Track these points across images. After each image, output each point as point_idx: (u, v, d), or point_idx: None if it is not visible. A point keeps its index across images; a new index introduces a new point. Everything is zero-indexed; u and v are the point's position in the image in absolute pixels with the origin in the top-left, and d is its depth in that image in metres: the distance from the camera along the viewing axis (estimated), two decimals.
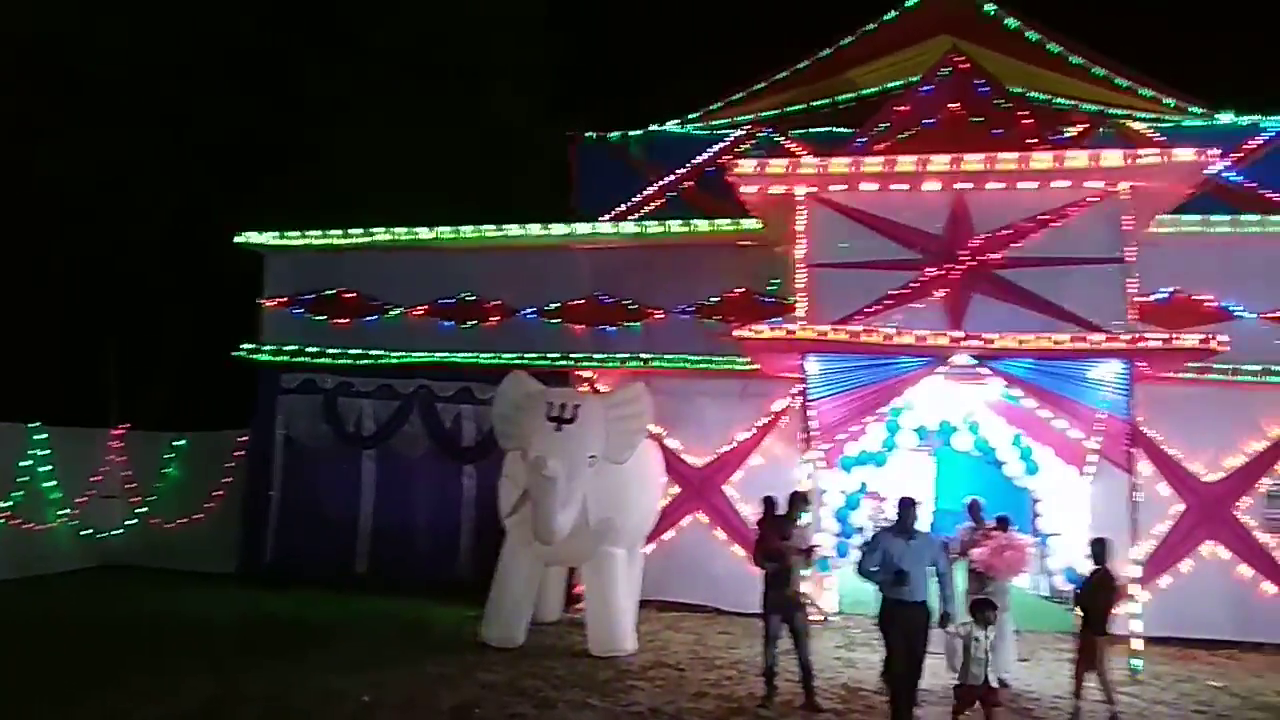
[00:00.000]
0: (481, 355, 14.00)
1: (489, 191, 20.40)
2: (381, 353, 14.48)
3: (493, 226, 14.50)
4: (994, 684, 7.52)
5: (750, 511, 12.93)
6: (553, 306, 14.24)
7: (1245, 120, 15.51)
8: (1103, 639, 8.46)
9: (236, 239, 15.15)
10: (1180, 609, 11.65)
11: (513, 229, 14.43)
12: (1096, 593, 8.61)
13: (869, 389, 11.25)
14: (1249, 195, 14.63)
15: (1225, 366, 11.69)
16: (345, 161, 19.98)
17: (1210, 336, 10.47)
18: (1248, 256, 12.48)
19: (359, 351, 14.56)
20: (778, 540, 8.64)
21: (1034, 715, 8.57)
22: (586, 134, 17.45)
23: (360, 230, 14.88)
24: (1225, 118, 15.67)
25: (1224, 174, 14.56)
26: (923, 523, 9.72)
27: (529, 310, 14.31)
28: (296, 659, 9.41)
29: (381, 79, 21.01)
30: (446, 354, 14.26)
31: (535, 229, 14.37)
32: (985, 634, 7.45)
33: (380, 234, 14.83)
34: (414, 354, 14.39)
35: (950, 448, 13.18)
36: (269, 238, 15.17)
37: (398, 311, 14.75)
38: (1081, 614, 8.64)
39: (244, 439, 14.91)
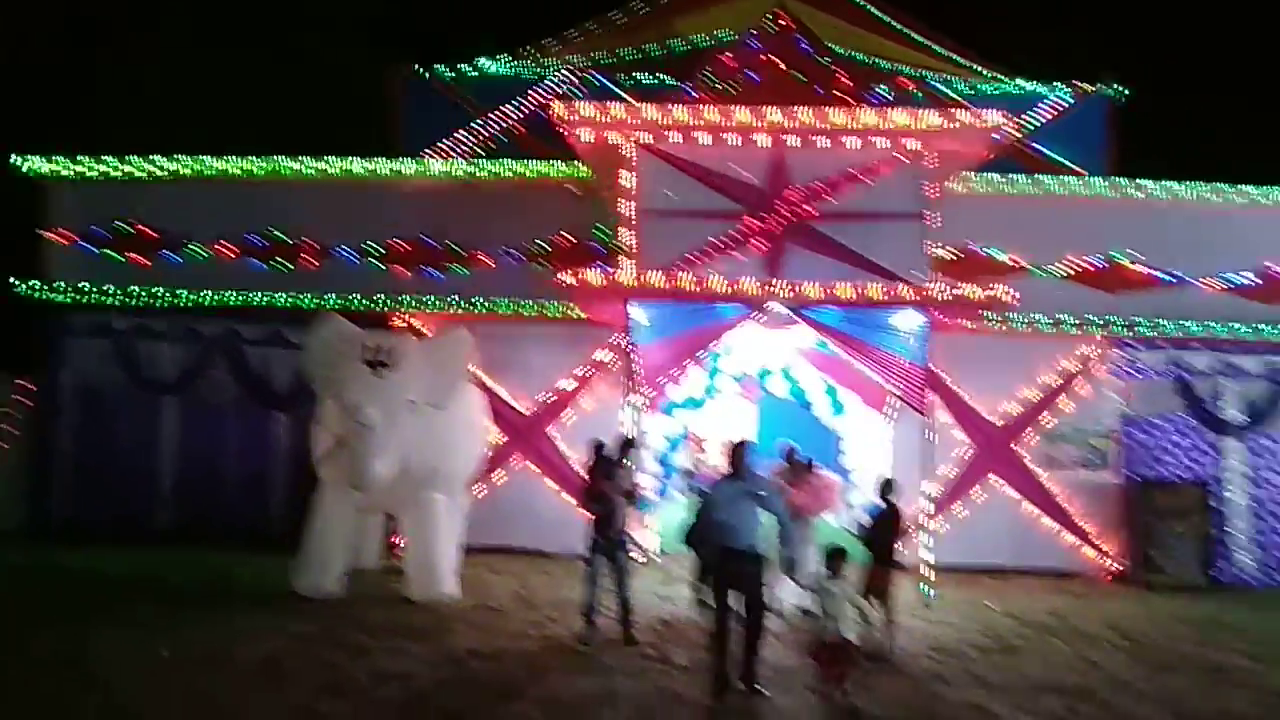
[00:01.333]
0: (294, 296, 13.36)
1: (304, 124, 19.30)
2: (184, 292, 13.57)
3: (310, 160, 13.77)
4: (850, 639, 6.75)
5: (577, 456, 13.10)
6: (373, 247, 13.72)
7: (1039, 88, 16.66)
8: (889, 570, 8.74)
9: (13, 162, 13.70)
10: (968, 540, 12.68)
11: (333, 164, 13.76)
12: (883, 528, 8.88)
13: (691, 335, 11.50)
14: (1040, 158, 15.84)
15: (1012, 316, 12.66)
16: (150, 90, 18.40)
17: (1002, 290, 11.33)
18: (1036, 215, 13.50)
19: (160, 291, 13.58)
20: (603, 483, 8.81)
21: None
22: (410, 69, 16.71)
23: (161, 159, 13.77)
24: (1022, 85, 16.79)
25: (1019, 137, 15.68)
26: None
27: (347, 250, 13.74)
28: (89, 617, 8.81)
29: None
30: (256, 295, 13.53)
31: (358, 165, 13.76)
32: (839, 584, 6.90)
33: (184, 164, 13.78)
34: (220, 294, 13.56)
35: (768, 392, 13.75)
36: (54, 164, 13.80)
37: (203, 249, 13.82)
38: (868, 547, 8.86)
39: (23, 383, 13.68)
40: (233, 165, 13.80)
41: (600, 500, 8.74)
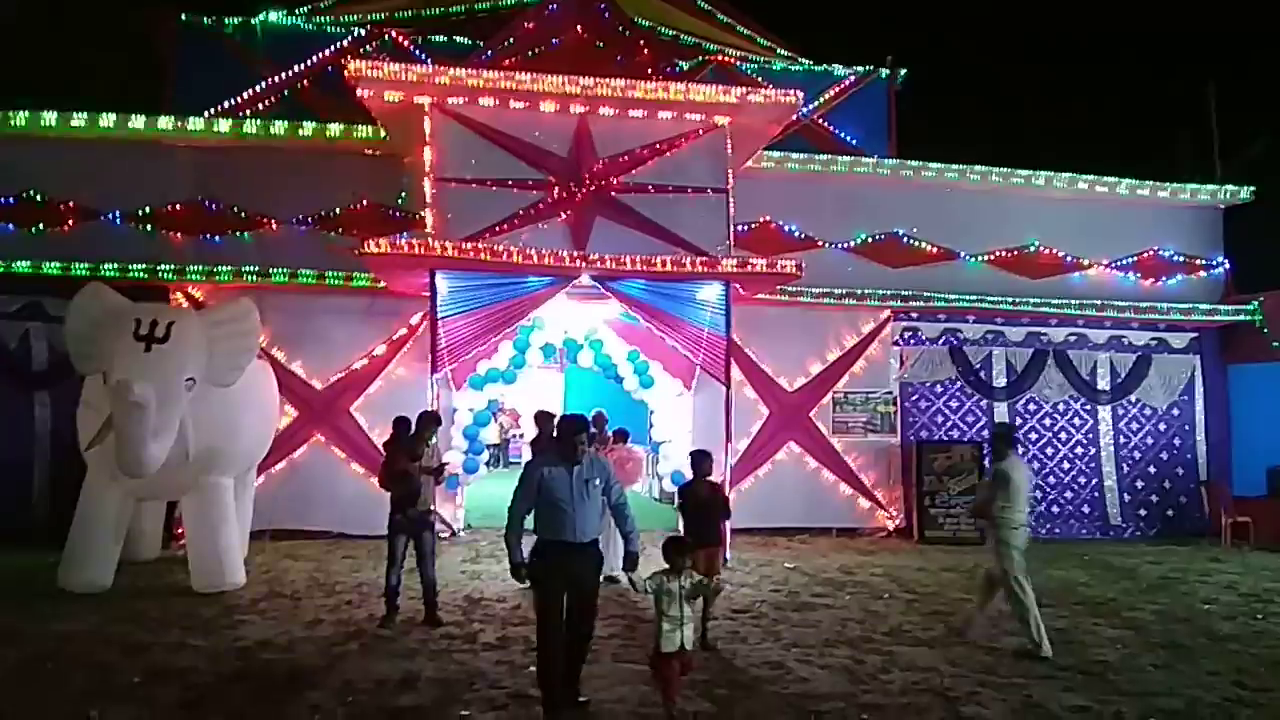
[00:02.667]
0: (54, 264, 12.09)
1: (54, 72, 17.36)
2: None
3: (73, 115, 12.43)
4: (688, 645, 5.77)
5: (379, 434, 12.62)
6: (145, 211, 12.59)
7: (824, 67, 17.39)
8: (717, 550, 8.15)
9: None
10: (764, 503, 13.24)
11: (98, 119, 12.49)
12: (709, 505, 7.91)
13: (498, 307, 11.32)
14: (829, 136, 16.59)
15: (806, 289, 13.23)
16: None
17: (793, 262, 11.81)
18: (828, 192, 14.15)
19: None
20: (405, 461, 8.47)
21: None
22: (183, 16, 15.30)
23: None
24: (808, 64, 17.48)
25: (809, 116, 16.35)
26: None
27: (114, 214, 12.54)
28: None
29: None
30: (9, 262, 12.14)
31: (128, 121, 12.53)
32: (680, 583, 5.77)
33: None
34: None
35: (576, 365, 13.74)
36: None
37: None
38: (688, 529, 7.89)
39: None
40: None
41: (402, 479, 8.40)
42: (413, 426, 8.83)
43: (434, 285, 11.09)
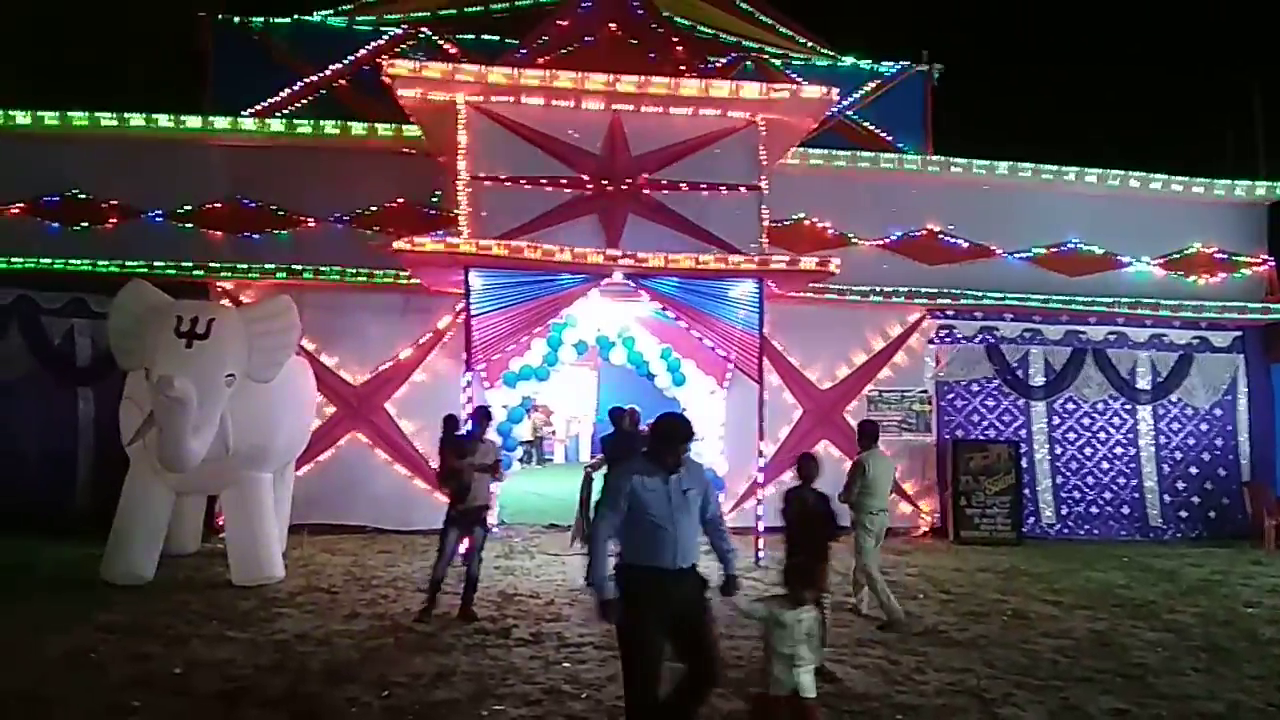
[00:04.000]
0: (97, 262, 12.32)
1: (98, 73, 17.69)
2: None
3: (112, 115, 12.66)
4: (807, 692, 4.94)
5: (414, 430, 12.76)
6: (185, 209, 12.80)
7: (866, 64, 17.27)
8: (825, 566, 7.05)
9: None
10: None
11: (140, 119, 12.70)
12: (813, 518, 7.04)
13: (531, 305, 11.35)
14: (866, 133, 16.46)
15: (840, 287, 13.14)
16: None
17: (826, 260, 11.74)
18: (862, 189, 14.03)
19: None
20: (454, 458, 8.63)
21: None
22: (221, 16, 15.52)
23: None
24: (849, 61, 17.36)
25: (845, 113, 16.24)
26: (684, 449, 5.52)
27: (156, 212, 12.75)
28: None
29: None
30: (54, 260, 12.39)
31: (166, 120, 12.77)
32: (798, 618, 4.96)
33: None
34: (12, 260, 12.35)
35: (609, 362, 13.77)
36: None
37: None
38: (795, 542, 7.02)
39: None
40: (20, 118, 12.54)
41: (452, 475, 8.58)
42: (461, 424, 8.93)
43: (468, 282, 11.14)
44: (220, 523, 10.89)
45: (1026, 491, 13.90)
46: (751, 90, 11.60)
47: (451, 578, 8.62)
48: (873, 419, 11.07)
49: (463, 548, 8.63)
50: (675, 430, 5.03)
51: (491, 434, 10.00)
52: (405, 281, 12.43)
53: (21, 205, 12.58)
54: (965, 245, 14.21)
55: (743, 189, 11.76)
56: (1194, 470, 14.55)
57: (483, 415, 9.09)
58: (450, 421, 9.26)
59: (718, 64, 15.53)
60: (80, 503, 12.19)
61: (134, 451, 9.25)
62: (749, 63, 16.35)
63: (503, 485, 13.52)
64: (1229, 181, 14.91)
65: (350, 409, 12.79)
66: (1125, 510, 14.34)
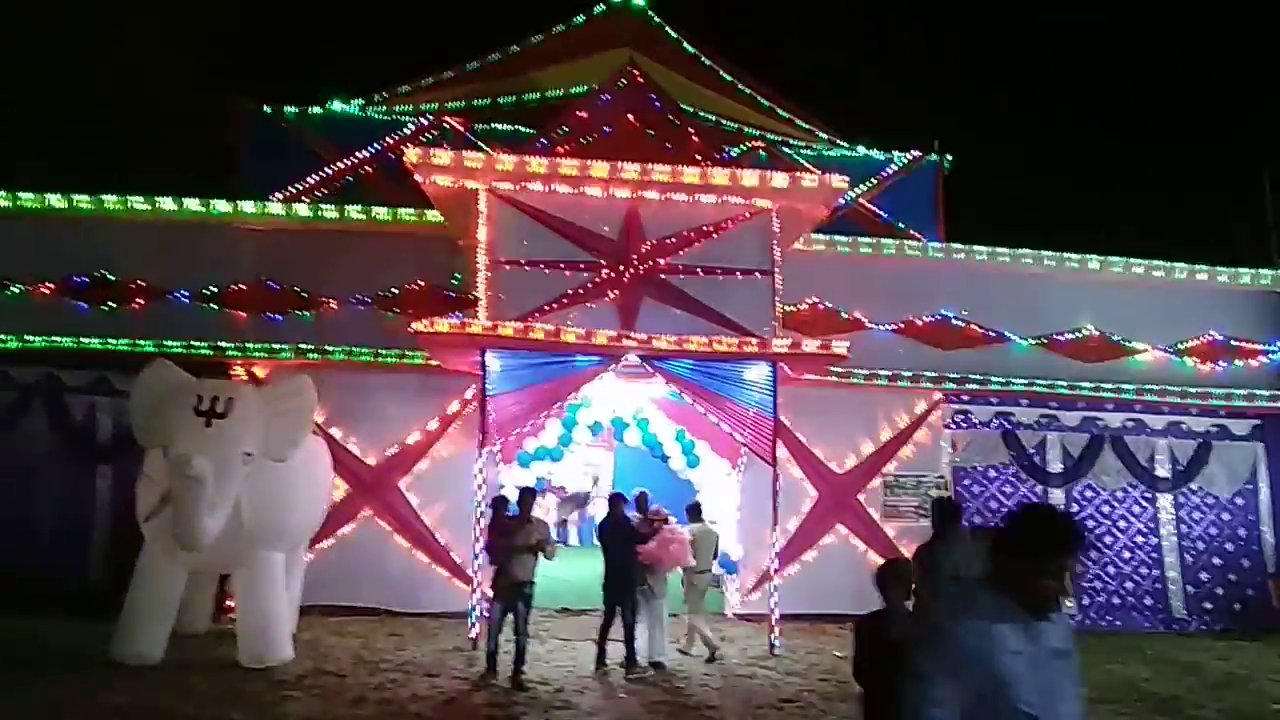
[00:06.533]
0: (122, 341, 12.57)
1: (132, 160, 18.33)
2: None
3: (142, 198, 13.08)
4: None
5: (426, 510, 12.75)
6: (210, 290, 13.09)
7: (878, 153, 17.65)
8: None
9: None
10: (811, 588, 12.96)
11: (167, 203, 13.12)
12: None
13: (546, 385, 11.44)
14: (878, 220, 16.73)
15: (855, 371, 13.19)
16: None
17: (836, 344, 11.84)
18: (876, 274, 14.19)
19: None
20: (494, 536, 9.19)
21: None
22: (254, 105, 16.14)
23: None
24: (861, 150, 17.75)
25: (858, 200, 16.55)
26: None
27: (182, 293, 13.04)
28: None
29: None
30: (79, 339, 12.64)
31: (195, 204, 13.17)
32: None
33: None
34: (39, 338, 12.62)
35: (623, 443, 13.78)
36: None
37: (19, 289, 12.87)
38: None
39: None
40: (55, 202, 12.98)
41: (498, 552, 9.14)
42: (508, 505, 9.62)
43: (484, 363, 11.27)
44: (231, 603, 10.84)
45: None
46: (764, 178, 11.88)
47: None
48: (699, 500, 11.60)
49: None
50: (1058, 532, 2.92)
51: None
52: (423, 362, 12.58)
53: (51, 285, 12.90)
54: (979, 330, 14.27)
55: (756, 274, 11.93)
56: (1217, 561, 14.28)
57: (526, 495, 9.54)
58: (498, 502, 9.69)
59: (731, 153, 15.91)
60: (95, 580, 12.14)
61: (149, 529, 9.28)
62: (762, 152, 16.74)
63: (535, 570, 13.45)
64: (1241, 270, 14.99)
65: (364, 488, 12.80)
66: (1148, 601, 14.04)
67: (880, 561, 5.47)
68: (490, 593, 9.37)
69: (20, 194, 12.94)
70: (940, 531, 7.19)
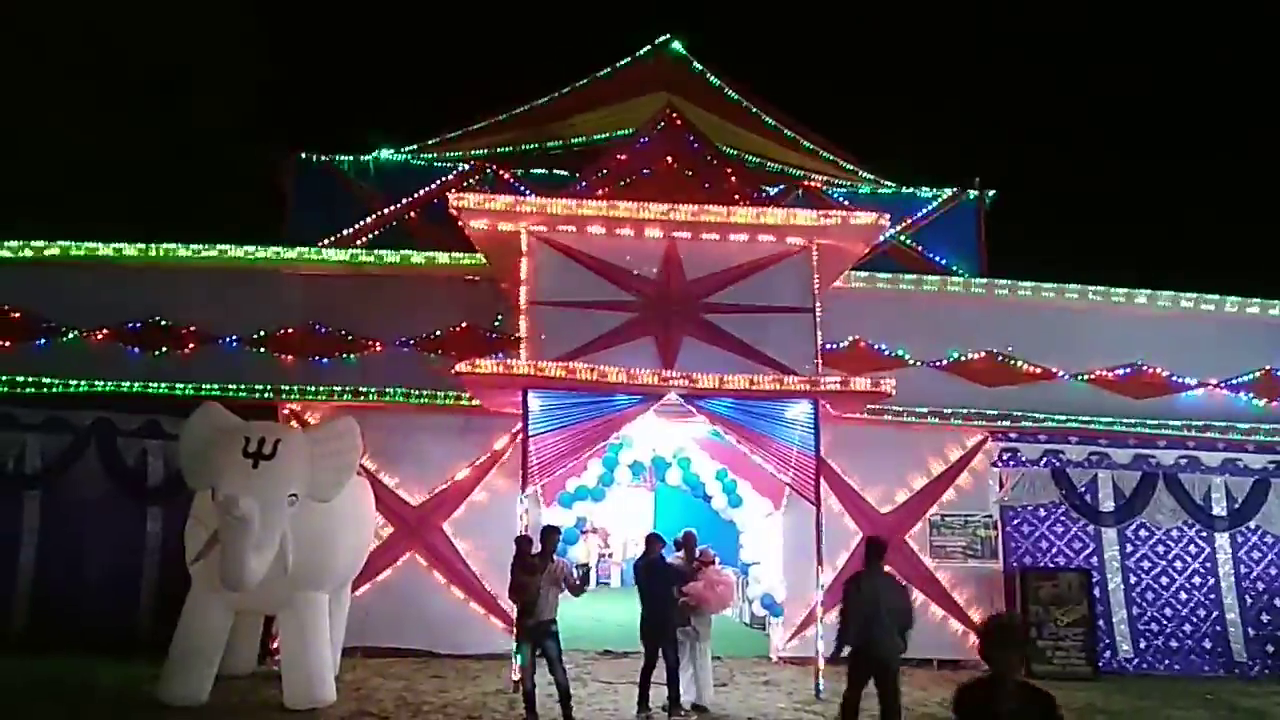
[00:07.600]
0: (173, 385, 12.85)
1: (185, 208, 18.90)
2: (52, 380, 12.88)
3: (194, 246, 13.43)
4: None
5: (470, 549, 12.78)
6: (259, 334, 13.36)
7: (922, 191, 17.62)
8: None
9: None
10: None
11: (218, 250, 13.44)
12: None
13: (587, 425, 11.44)
14: (916, 256, 16.66)
15: (898, 409, 13.05)
16: (17, 167, 17.76)
17: (879, 381, 11.71)
18: (918, 310, 14.09)
19: (24, 378, 12.87)
20: (519, 575, 9.02)
21: None
22: (303, 154, 16.60)
23: (20, 243, 13.34)
24: (899, 187, 17.73)
25: (899, 237, 16.50)
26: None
27: (231, 337, 13.33)
28: None
29: (61, 76, 18.95)
30: (133, 383, 12.95)
31: (245, 251, 13.47)
32: None
33: (53, 247, 13.33)
34: (94, 383, 12.94)
35: (664, 483, 13.72)
36: None
37: (75, 334, 13.23)
38: None
39: None
40: (108, 250, 13.38)
41: (519, 591, 9.00)
42: (532, 544, 9.36)
43: (526, 403, 11.33)
44: (276, 645, 10.91)
45: (1100, 623, 13.28)
46: (803, 217, 11.93)
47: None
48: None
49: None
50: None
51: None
52: (466, 403, 12.68)
53: (106, 331, 13.25)
54: (1026, 367, 14.06)
55: (797, 311, 11.91)
56: (1279, 603, 13.78)
57: (549, 534, 9.35)
58: (522, 541, 9.54)
59: (770, 192, 15.98)
60: (144, 622, 12.30)
61: (196, 571, 9.41)
62: (801, 190, 16.81)
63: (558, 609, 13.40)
64: None
65: (407, 529, 12.87)
66: (1207, 644, 13.56)
67: (982, 619, 4.74)
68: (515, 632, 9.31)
69: (75, 244, 13.35)
70: (867, 566, 8.21)
